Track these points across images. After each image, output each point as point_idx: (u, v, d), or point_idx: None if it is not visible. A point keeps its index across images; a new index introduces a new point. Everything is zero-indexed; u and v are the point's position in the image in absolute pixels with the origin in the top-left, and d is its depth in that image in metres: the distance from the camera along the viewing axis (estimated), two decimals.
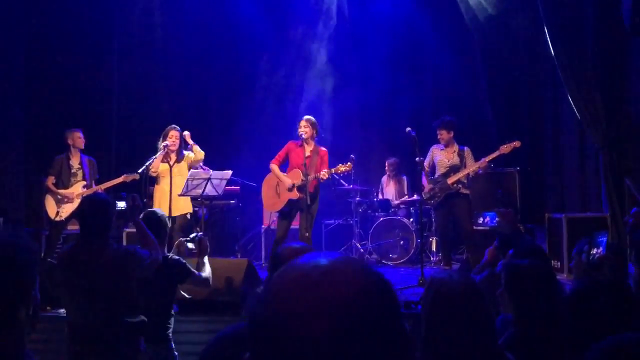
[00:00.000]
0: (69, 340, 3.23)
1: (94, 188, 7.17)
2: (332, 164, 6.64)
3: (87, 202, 3.44)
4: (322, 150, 6.67)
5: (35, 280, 1.71)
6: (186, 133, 6.93)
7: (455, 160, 6.91)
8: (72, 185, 7.16)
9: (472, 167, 6.77)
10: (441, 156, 6.98)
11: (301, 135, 6.58)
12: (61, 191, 7.10)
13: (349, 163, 6.56)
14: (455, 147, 6.98)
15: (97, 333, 3.16)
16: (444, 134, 6.96)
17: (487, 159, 6.74)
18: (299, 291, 0.80)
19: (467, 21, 9.22)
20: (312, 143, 6.64)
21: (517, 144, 6.73)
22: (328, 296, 0.79)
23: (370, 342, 0.79)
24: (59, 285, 3.26)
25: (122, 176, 7.19)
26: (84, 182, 7.20)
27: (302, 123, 6.63)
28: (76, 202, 7.06)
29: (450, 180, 6.79)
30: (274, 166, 6.72)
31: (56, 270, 3.30)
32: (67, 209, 7.08)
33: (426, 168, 7.03)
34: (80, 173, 7.22)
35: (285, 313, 0.79)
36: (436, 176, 6.98)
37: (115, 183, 7.27)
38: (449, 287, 1.94)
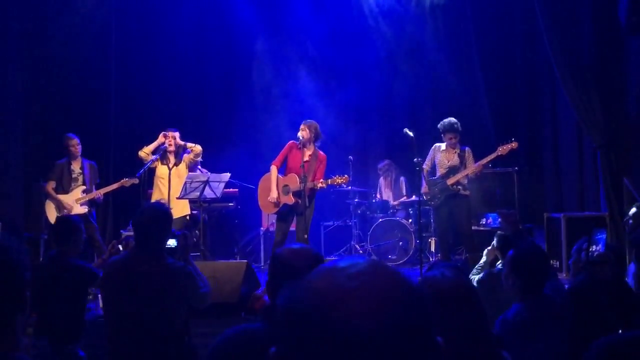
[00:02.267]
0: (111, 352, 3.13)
1: (94, 193, 7.17)
2: (330, 168, 6.62)
3: (149, 211, 3.35)
4: (321, 154, 6.63)
5: (28, 284, 1.70)
6: (175, 134, 6.88)
7: (455, 161, 6.88)
8: (72, 190, 7.16)
9: (470, 168, 6.76)
10: (441, 156, 6.95)
11: (300, 137, 6.54)
12: (60, 197, 7.09)
13: (345, 176, 6.51)
14: (457, 148, 6.94)
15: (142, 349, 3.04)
16: (457, 138, 6.79)
17: (485, 161, 6.72)
18: (337, 284, 0.82)
19: (465, 22, 9.25)
20: (312, 147, 6.57)
21: (514, 145, 6.71)
22: (367, 287, 0.81)
23: (408, 344, 0.80)
24: (106, 298, 3.20)
25: (122, 180, 7.18)
26: (84, 187, 7.20)
27: (301, 126, 6.59)
28: (76, 207, 7.06)
29: (450, 181, 6.78)
30: (274, 169, 6.66)
31: (105, 281, 3.24)
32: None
33: (426, 167, 7.00)
34: (81, 178, 7.22)
35: (326, 310, 0.80)
36: (436, 177, 6.97)
37: (114, 188, 7.26)
38: (441, 285, 1.92)
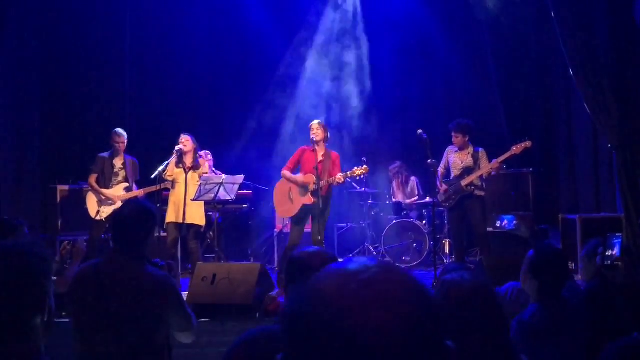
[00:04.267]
0: None
1: (137, 192, 7.15)
2: (343, 167, 6.63)
3: (127, 209, 2.93)
4: (334, 154, 6.66)
5: (51, 288, 1.73)
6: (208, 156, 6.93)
7: (469, 162, 6.86)
8: (113, 186, 7.15)
9: (485, 169, 6.74)
10: (455, 158, 6.93)
11: (312, 138, 6.56)
12: (105, 191, 7.08)
13: (364, 166, 6.55)
14: (470, 149, 6.92)
15: None
16: (459, 138, 6.85)
17: (499, 160, 6.70)
18: (349, 291, 0.80)
19: (478, 22, 9.20)
20: (324, 147, 6.59)
21: (528, 144, 6.69)
22: (379, 296, 0.79)
23: (421, 351, 0.78)
24: (72, 311, 2.76)
25: (163, 183, 6.91)
26: (126, 184, 7.17)
27: (314, 126, 6.60)
28: (118, 204, 7.03)
29: (464, 182, 6.76)
30: (286, 172, 6.66)
31: (71, 291, 2.76)
32: (108, 210, 7.04)
33: (441, 170, 6.99)
34: (122, 173, 7.19)
35: (334, 312, 0.78)
36: (450, 178, 6.95)
37: (155, 189, 7.03)
38: (461, 288, 1.92)
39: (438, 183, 6.97)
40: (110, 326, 2.63)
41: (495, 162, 6.68)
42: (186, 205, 6.54)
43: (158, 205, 6.44)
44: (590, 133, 8.08)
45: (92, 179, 7.13)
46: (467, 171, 6.82)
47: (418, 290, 0.82)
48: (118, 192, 7.14)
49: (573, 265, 6.85)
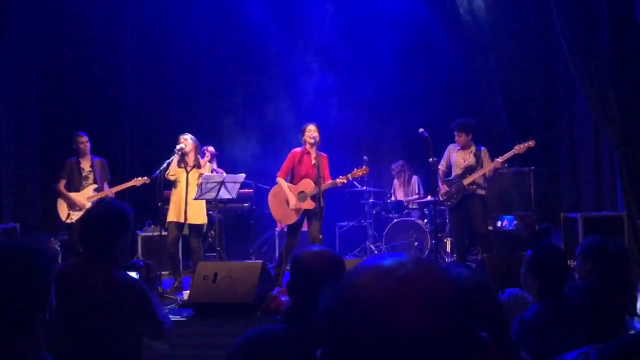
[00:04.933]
0: None
1: (106, 191, 7.20)
2: (344, 167, 6.61)
3: (96, 209, 2.77)
4: (323, 155, 6.63)
5: (52, 286, 1.74)
6: (210, 149, 6.90)
7: (471, 160, 6.85)
8: (83, 189, 7.20)
9: (487, 167, 6.74)
10: (457, 156, 6.93)
11: (312, 140, 6.49)
12: (72, 195, 7.14)
13: (364, 167, 6.53)
14: (473, 148, 6.91)
15: None
16: (462, 137, 6.85)
17: (502, 159, 6.70)
18: (386, 288, 0.81)
19: (478, 22, 9.19)
20: (314, 148, 6.54)
21: (531, 143, 6.68)
22: (415, 293, 0.81)
23: (459, 344, 0.80)
24: None
25: (134, 179, 7.21)
26: (95, 185, 7.24)
27: (313, 128, 6.53)
28: (87, 206, 7.12)
29: (466, 181, 6.75)
30: (282, 180, 6.61)
31: None
32: (78, 213, 7.09)
33: (442, 168, 6.99)
34: (91, 176, 7.25)
35: (372, 310, 0.80)
36: (452, 177, 6.95)
37: (126, 186, 7.29)
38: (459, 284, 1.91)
39: (439, 182, 6.97)
40: (73, 335, 2.45)
41: (497, 161, 6.67)
42: (187, 205, 6.54)
43: (159, 204, 6.44)
44: (592, 131, 8.07)
45: (61, 184, 7.19)
46: (469, 170, 6.81)
47: (453, 285, 0.84)
48: (87, 194, 7.18)
49: (575, 263, 6.85)
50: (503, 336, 1.89)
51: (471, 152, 6.87)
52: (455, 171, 6.91)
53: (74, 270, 2.57)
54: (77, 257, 2.68)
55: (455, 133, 6.89)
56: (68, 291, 2.43)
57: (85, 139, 7.25)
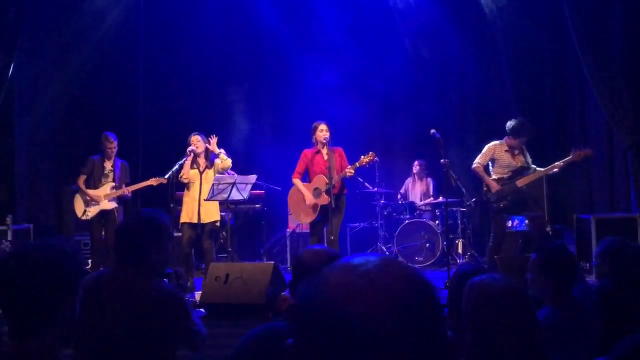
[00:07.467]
0: None
1: (123, 189, 7.25)
2: (351, 163, 6.60)
3: (130, 219, 2.70)
4: (337, 149, 6.68)
5: (78, 291, 1.77)
6: (212, 141, 6.92)
7: (523, 162, 6.65)
8: (102, 186, 7.24)
9: (546, 169, 6.58)
10: (507, 157, 6.65)
11: (320, 140, 6.57)
12: (90, 192, 7.17)
13: (370, 153, 6.53)
14: (523, 149, 6.73)
15: None
16: (516, 141, 6.61)
17: (560, 163, 6.50)
18: (348, 281, 0.86)
19: (491, 22, 9.15)
20: (326, 146, 6.63)
21: (589, 152, 6.50)
22: (374, 286, 0.85)
23: (418, 341, 0.84)
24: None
25: (151, 179, 7.23)
26: (113, 183, 7.27)
27: (324, 127, 6.61)
28: (103, 203, 7.16)
29: (519, 183, 6.57)
30: (297, 180, 6.71)
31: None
32: (94, 210, 7.17)
33: (481, 166, 6.69)
34: (111, 175, 7.28)
35: (335, 301, 0.85)
36: (496, 177, 6.68)
37: (143, 185, 7.31)
38: (493, 289, 1.90)
39: (486, 179, 6.65)
40: (113, 347, 2.40)
41: (554, 165, 6.50)
42: (200, 206, 6.58)
43: (172, 205, 6.48)
44: (605, 132, 8.01)
45: (81, 180, 7.22)
46: (519, 171, 6.61)
47: (415, 282, 0.88)
48: (104, 191, 7.22)
49: (587, 265, 6.80)
50: (534, 339, 1.88)
51: (521, 153, 6.70)
52: (501, 171, 6.65)
53: (114, 281, 2.52)
54: (114, 268, 2.63)
55: (508, 137, 6.63)
56: (106, 302, 2.42)
57: (114, 144, 7.23)
